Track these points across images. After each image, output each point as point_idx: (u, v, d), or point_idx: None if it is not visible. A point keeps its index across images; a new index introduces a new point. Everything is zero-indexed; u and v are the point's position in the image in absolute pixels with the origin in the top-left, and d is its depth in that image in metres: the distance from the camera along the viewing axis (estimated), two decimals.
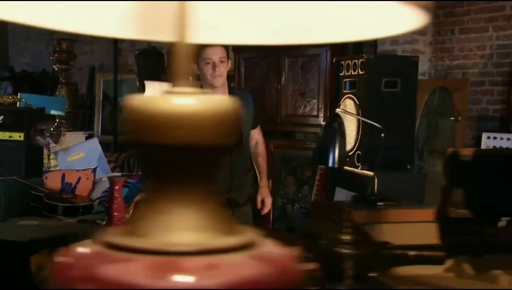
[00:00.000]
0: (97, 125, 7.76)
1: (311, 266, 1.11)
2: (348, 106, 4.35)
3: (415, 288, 1.35)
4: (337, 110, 2.95)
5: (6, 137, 5.83)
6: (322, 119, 5.49)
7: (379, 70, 4.22)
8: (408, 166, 4.08)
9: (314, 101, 5.90)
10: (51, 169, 5.50)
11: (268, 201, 3.28)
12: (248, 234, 0.61)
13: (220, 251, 0.55)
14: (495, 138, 4.85)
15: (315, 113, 5.76)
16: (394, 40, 5.71)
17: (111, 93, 7.61)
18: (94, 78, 7.94)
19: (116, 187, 2.68)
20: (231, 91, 3.16)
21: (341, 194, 4.20)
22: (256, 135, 3.41)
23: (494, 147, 4.78)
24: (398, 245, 1.61)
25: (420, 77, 5.73)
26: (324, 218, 1.63)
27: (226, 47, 3.11)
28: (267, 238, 0.63)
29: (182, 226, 0.57)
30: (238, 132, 0.62)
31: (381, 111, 4.19)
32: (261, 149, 3.44)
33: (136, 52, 7.32)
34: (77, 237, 0.63)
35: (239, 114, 0.63)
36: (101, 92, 7.80)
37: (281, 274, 0.55)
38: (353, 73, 4.34)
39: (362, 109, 4.19)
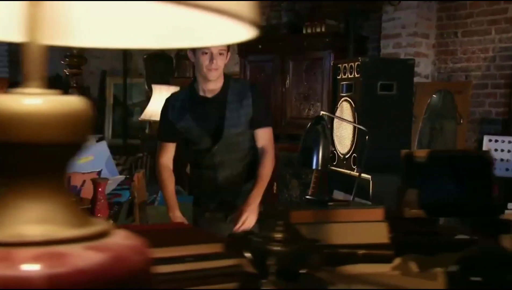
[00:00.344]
0: (108, 129, 7.87)
1: (230, 262, 1.15)
2: (344, 109, 4.37)
3: (354, 284, 1.38)
4: (322, 112, 2.97)
5: None
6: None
7: (374, 73, 4.23)
8: None
9: (318, 104, 5.94)
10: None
11: (250, 220, 2.61)
12: (100, 227, 0.66)
13: (58, 242, 0.59)
14: (496, 140, 4.82)
15: None
16: (397, 43, 5.72)
17: (121, 97, 7.71)
18: (105, 82, 8.05)
19: (100, 189, 2.74)
20: (227, 83, 2.77)
21: (339, 197, 4.22)
22: (263, 140, 2.84)
23: (496, 150, 4.76)
24: (347, 244, 1.64)
25: (423, 79, 5.73)
26: (276, 219, 1.66)
27: None
28: (123, 231, 0.67)
29: (28, 219, 0.62)
30: (87, 131, 0.66)
31: (377, 114, 4.20)
32: (267, 158, 2.81)
33: (145, 56, 7.42)
34: None
35: (89, 114, 0.67)
36: (112, 96, 7.91)
37: (114, 264, 0.59)
38: (349, 76, 4.37)
39: (358, 112, 4.21)
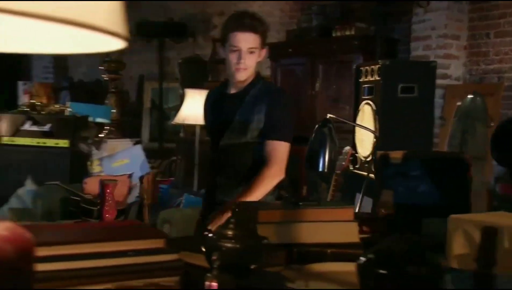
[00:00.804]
0: (145, 132, 8.05)
1: (171, 257, 1.22)
2: (366, 112, 4.37)
3: (313, 282, 1.42)
4: (328, 115, 3.00)
5: (53, 144, 6.19)
6: None
7: (395, 75, 4.22)
8: None
9: (347, 107, 5.93)
10: (92, 175, 5.74)
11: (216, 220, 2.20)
12: None
13: None
14: None
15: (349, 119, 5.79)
16: (427, 45, 5.66)
17: (158, 101, 7.88)
18: (143, 87, 8.24)
19: (108, 190, 2.83)
20: (254, 83, 2.55)
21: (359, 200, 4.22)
22: (267, 152, 2.49)
23: None
24: (317, 243, 1.68)
25: (453, 82, 5.65)
26: (248, 219, 1.72)
27: (263, 33, 2.51)
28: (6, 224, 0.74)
29: None
30: None
31: (398, 117, 4.20)
32: (265, 169, 2.45)
33: (180, 61, 7.57)
34: None
35: None
36: (149, 100, 8.09)
37: None
38: (370, 79, 4.37)
39: (379, 115, 4.20)
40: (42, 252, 1.14)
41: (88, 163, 6.02)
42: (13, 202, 5.81)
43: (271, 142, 2.51)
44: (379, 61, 4.24)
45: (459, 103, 5.48)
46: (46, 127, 6.20)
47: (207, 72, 7.44)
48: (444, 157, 1.94)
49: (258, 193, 2.41)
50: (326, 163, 2.93)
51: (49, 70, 9.23)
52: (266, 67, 6.77)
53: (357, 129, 4.48)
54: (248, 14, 2.58)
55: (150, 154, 7.59)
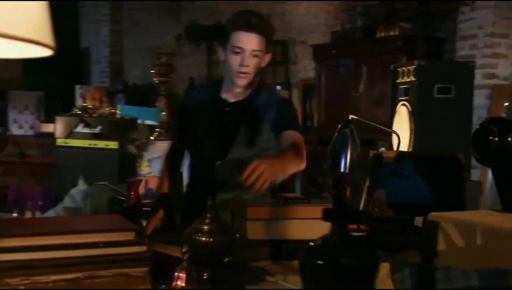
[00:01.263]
0: None
1: (140, 249, 1.28)
2: (402, 113, 4.33)
3: (292, 276, 1.46)
4: (350, 116, 3.00)
5: (103, 146, 6.42)
6: None
7: (431, 76, 4.16)
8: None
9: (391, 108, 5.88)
10: (140, 176, 5.90)
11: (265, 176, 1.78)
12: None
13: None
14: None
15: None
16: (473, 44, 5.54)
17: None
18: None
19: (132, 191, 2.92)
20: (257, 91, 2.34)
21: None
22: (289, 137, 2.26)
23: None
24: (303, 240, 1.71)
25: (501, 81, 5.51)
26: (239, 216, 1.77)
27: (269, 35, 2.29)
28: None
29: None
30: None
31: (434, 118, 4.13)
32: (292, 146, 2.20)
33: None
34: None
35: None
36: None
37: None
38: (406, 79, 4.33)
39: (414, 116, 4.16)
40: (16, 242, 1.23)
41: (137, 164, 6.19)
42: (67, 201, 6.04)
43: (293, 132, 2.29)
44: (415, 61, 4.20)
45: (506, 104, 5.33)
46: (97, 129, 6.43)
47: None
48: (438, 157, 1.92)
49: (298, 164, 2.15)
50: (348, 164, 2.94)
51: (105, 74, 9.53)
52: (311, 69, 6.79)
53: (394, 129, 4.44)
54: (254, 13, 2.30)
55: None
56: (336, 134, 3.12)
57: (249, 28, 2.22)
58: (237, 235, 1.44)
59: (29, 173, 6.82)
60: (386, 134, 5.48)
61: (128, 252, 1.27)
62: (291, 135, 2.28)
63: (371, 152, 1.84)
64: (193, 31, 7.74)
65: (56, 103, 7.66)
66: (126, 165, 6.29)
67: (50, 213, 6.04)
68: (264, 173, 1.77)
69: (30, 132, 7.19)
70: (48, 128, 6.84)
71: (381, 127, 3.40)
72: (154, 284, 1.33)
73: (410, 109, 4.18)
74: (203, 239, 1.40)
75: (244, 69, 2.23)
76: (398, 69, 4.46)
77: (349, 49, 6.19)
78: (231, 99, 2.36)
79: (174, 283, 1.31)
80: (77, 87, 7.79)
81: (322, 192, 6.43)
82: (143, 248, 1.28)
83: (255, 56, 2.24)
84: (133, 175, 5.72)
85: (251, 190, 1.79)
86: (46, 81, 9.69)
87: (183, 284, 1.30)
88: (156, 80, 7.98)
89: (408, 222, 1.66)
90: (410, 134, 4.17)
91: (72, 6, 10.55)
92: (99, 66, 9.74)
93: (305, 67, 7.19)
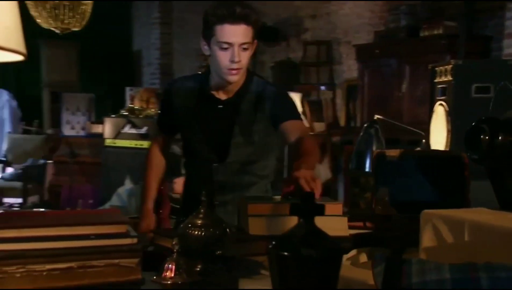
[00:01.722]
0: None
1: (130, 241, 1.34)
2: (439, 113, 4.27)
3: None
4: (376, 116, 3.01)
5: (149, 146, 6.56)
6: None
7: (469, 75, 4.09)
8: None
9: None
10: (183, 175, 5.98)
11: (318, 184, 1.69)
12: None
13: None
14: None
15: None
16: None
17: None
18: None
19: (162, 188, 3.01)
20: (247, 84, 2.16)
21: None
22: (294, 129, 2.11)
23: None
24: None
25: None
26: (242, 212, 1.82)
27: (256, 23, 2.05)
28: None
29: None
30: None
31: (472, 118, 4.05)
32: (305, 137, 2.07)
33: (272, 64, 7.73)
34: None
35: None
36: None
37: None
38: (444, 79, 4.27)
39: (451, 116, 4.10)
40: (13, 233, 1.31)
41: (181, 164, 6.29)
42: (114, 200, 6.24)
43: (298, 122, 2.16)
44: (452, 60, 4.13)
45: None
46: (143, 130, 6.61)
47: (298, 75, 7.54)
48: (440, 156, 1.92)
49: (314, 154, 1.98)
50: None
51: (155, 76, 9.74)
52: (356, 69, 6.77)
53: (432, 130, 4.39)
54: (238, 2, 2.04)
55: None
56: (361, 134, 3.13)
57: (235, 19, 1.98)
58: (228, 230, 1.48)
59: (80, 173, 7.06)
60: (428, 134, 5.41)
61: (119, 244, 1.33)
62: (295, 125, 2.13)
63: (374, 151, 1.85)
64: None
65: (107, 104, 7.89)
66: (171, 164, 6.40)
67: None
68: (310, 177, 1.69)
69: (82, 133, 7.43)
70: (98, 128, 7.06)
71: (407, 127, 3.39)
72: (148, 275, 1.39)
73: (447, 109, 4.12)
74: (196, 233, 1.45)
75: (235, 66, 2.02)
76: (436, 68, 4.40)
77: (392, 48, 6.14)
78: (223, 96, 2.17)
79: (163, 274, 1.37)
80: (127, 88, 7.99)
81: (365, 192, 6.40)
82: (134, 240, 1.34)
83: (245, 49, 2.03)
84: (177, 174, 5.84)
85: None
86: (99, 83, 10.00)
87: (172, 275, 1.36)
88: None
89: (411, 220, 1.66)
90: (447, 134, 4.11)
91: (125, 10, 10.83)
92: (149, 68, 9.96)
93: (350, 67, 7.16)
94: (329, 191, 6.16)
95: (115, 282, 1.33)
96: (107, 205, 6.35)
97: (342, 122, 7.14)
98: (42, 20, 5.55)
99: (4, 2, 0.97)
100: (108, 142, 6.79)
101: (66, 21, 5.43)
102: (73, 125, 7.52)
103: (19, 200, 7.11)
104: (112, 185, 6.67)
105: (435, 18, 6.00)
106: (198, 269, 1.45)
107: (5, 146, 8.27)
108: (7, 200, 7.40)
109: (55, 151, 7.58)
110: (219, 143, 2.17)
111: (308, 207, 1.10)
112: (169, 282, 1.35)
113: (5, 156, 8.03)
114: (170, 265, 1.36)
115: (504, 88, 3.34)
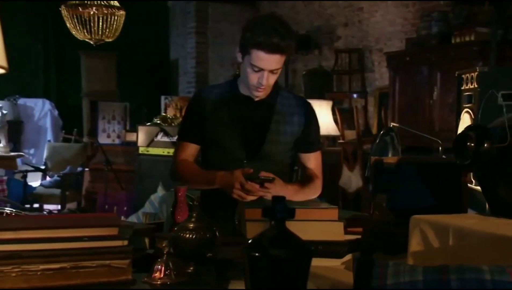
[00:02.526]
0: None
1: (121, 243, 1.39)
2: (465, 121, 4.23)
3: None
4: (392, 124, 3.01)
5: None
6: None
7: (495, 82, 4.04)
8: None
9: None
10: None
11: (275, 190, 2.03)
12: None
13: None
14: None
15: None
16: None
17: None
18: None
19: (180, 194, 3.05)
20: (276, 90, 2.28)
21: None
22: (313, 164, 2.37)
23: None
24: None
25: None
26: (242, 216, 1.85)
27: (290, 50, 2.15)
28: None
29: None
30: None
31: None
32: (316, 181, 2.34)
33: (304, 73, 7.76)
34: None
35: None
36: None
37: None
38: (470, 86, 4.22)
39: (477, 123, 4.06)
40: (9, 235, 1.38)
41: None
42: (147, 207, 6.35)
43: (315, 154, 2.37)
44: (477, 68, 4.09)
45: None
46: (175, 138, 6.70)
47: (330, 83, 7.54)
48: (437, 163, 1.91)
49: (308, 193, 2.28)
50: None
51: (191, 84, 9.87)
52: (387, 77, 6.73)
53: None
54: (277, 29, 2.08)
55: None
56: (376, 142, 3.13)
57: (271, 50, 2.06)
58: (217, 233, 1.52)
59: (115, 180, 7.21)
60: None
61: (110, 246, 1.39)
62: (314, 160, 2.36)
63: (372, 158, 1.86)
64: None
65: (143, 113, 8.03)
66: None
67: (132, 218, 6.34)
68: (275, 191, 2.00)
69: (117, 141, 7.57)
70: (133, 137, 7.19)
71: (423, 134, 3.36)
72: (142, 276, 1.44)
73: (473, 116, 4.08)
74: (187, 235, 1.50)
75: (262, 87, 2.14)
76: (463, 76, 4.36)
77: (424, 56, 6.09)
78: (255, 97, 2.25)
79: (153, 275, 1.42)
80: (163, 97, 8.12)
81: None
82: (125, 243, 1.39)
83: (275, 73, 2.15)
84: None
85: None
86: (137, 92, 10.20)
87: (161, 276, 1.41)
88: None
89: (407, 225, 1.67)
90: (438, 141, 4.06)
91: (162, 20, 11.03)
92: (186, 77, 10.11)
93: (382, 75, 7.13)
94: (359, 199, 6.13)
95: (107, 282, 1.38)
96: (140, 212, 6.45)
97: (374, 130, 7.11)
98: (77, 32, 5.70)
99: None
100: (141, 150, 6.91)
101: (99, 32, 5.56)
102: (108, 133, 7.68)
103: (58, 207, 7.29)
104: (145, 192, 6.78)
105: (467, 24, 5.93)
106: (190, 270, 1.50)
107: (45, 154, 8.50)
108: (46, 206, 7.60)
109: (92, 159, 7.76)
110: (252, 139, 2.25)
111: (278, 210, 1.13)
112: (158, 282, 1.40)
113: (45, 164, 8.25)
114: (159, 266, 1.41)
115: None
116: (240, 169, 2.10)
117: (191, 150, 2.33)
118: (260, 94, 2.20)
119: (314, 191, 2.33)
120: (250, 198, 2.05)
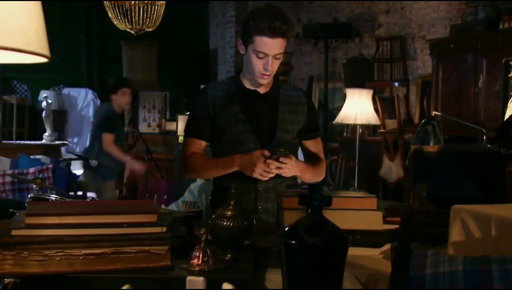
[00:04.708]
0: None
1: (160, 229, 1.41)
2: (511, 108, 4.14)
3: None
4: (433, 112, 2.96)
5: None
6: None
7: None
8: None
9: None
10: None
11: (290, 169, 2.19)
12: None
13: None
14: None
15: None
16: None
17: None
18: (311, 87, 8.50)
19: None
20: (277, 82, 2.38)
21: None
22: (314, 149, 2.48)
23: None
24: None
25: None
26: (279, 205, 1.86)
27: (291, 34, 2.28)
28: None
29: None
30: None
31: None
32: (321, 163, 2.46)
33: (344, 61, 7.68)
34: None
35: None
36: (317, 100, 8.32)
37: None
38: None
39: None
40: (54, 220, 1.41)
41: None
42: (186, 196, 6.42)
43: (319, 140, 2.51)
44: None
45: None
46: None
47: (371, 71, 7.45)
48: (480, 152, 1.87)
49: (317, 173, 2.42)
50: None
51: (231, 74, 9.88)
52: (430, 65, 6.61)
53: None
54: (278, 15, 2.20)
55: None
56: (417, 131, 3.09)
57: (274, 34, 2.16)
58: (255, 221, 1.52)
59: (155, 169, 7.29)
60: None
61: (150, 232, 1.41)
62: (317, 145, 2.50)
63: (412, 147, 1.83)
64: (310, 29, 7.83)
65: (183, 102, 8.10)
66: None
67: (172, 207, 6.40)
68: (290, 169, 2.18)
69: (157, 130, 7.66)
70: (172, 126, 7.25)
71: (466, 122, 3.29)
72: (177, 263, 1.45)
73: None
74: (224, 223, 1.50)
75: (267, 72, 2.23)
76: (510, 62, 4.27)
77: (469, 42, 5.95)
78: (261, 90, 2.35)
79: (191, 261, 1.43)
80: (202, 86, 8.16)
81: None
82: (163, 229, 1.41)
83: (277, 58, 2.24)
84: None
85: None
86: (177, 82, 10.29)
87: (199, 262, 1.42)
88: None
89: (447, 215, 1.65)
90: (482, 129, 3.97)
91: (202, 10, 11.08)
92: (225, 66, 10.13)
93: (424, 63, 7.00)
94: (400, 189, 6.06)
95: (146, 267, 1.40)
96: (179, 201, 6.52)
97: (416, 119, 6.99)
98: (119, 22, 5.78)
99: (25, 5, 1.05)
100: (181, 139, 6.97)
101: (140, 22, 5.63)
102: (149, 123, 7.77)
103: None
104: (185, 181, 6.84)
105: None
106: (227, 258, 1.51)
107: (88, 142, 8.67)
108: (89, 194, 7.75)
109: (133, 147, 7.87)
110: (264, 130, 2.34)
111: (315, 198, 1.13)
112: (196, 269, 1.41)
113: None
114: (197, 253, 1.42)
115: None
116: (259, 150, 2.21)
117: (199, 145, 2.39)
118: (265, 81, 2.29)
119: (321, 172, 2.46)
120: (270, 175, 2.17)
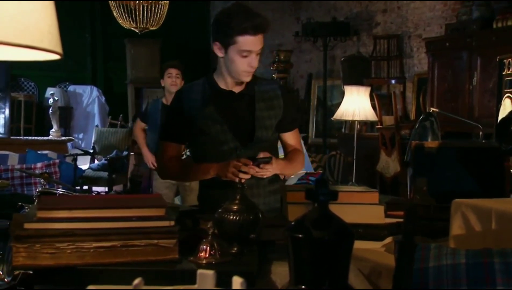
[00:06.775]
0: (312, 128, 8.33)
1: (168, 223, 1.45)
2: (506, 106, 4.18)
3: None
4: (431, 108, 3.01)
5: None
6: None
7: None
8: None
9: None
10: None
11: (270, 170, 2.17)
12: None
13: None
14: None
15: None
16: None
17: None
18: (310, 85, 8.54)
19: None
20: (253, 81, 2.36)
21: None
22: (294, 140, 2.50)
23: None
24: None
25: None
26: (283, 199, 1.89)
27: (267, 27, 2.24)
28: None
29: None
30: None
31: None
32: (299, 154, 2.48)
33: (342, 59, 7.73)
34: None
35: None
36: (316, 97, 8.37)
37: None
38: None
39: None
40: (65, 214, 1.44)
41: None
42: None
43: (294, 131, 2.50)
44: None
45: None
46: None
47: (368, 69, 7.50)
48: (479, 147, 1.91)
49: (296, 165, 2.45)
50: None
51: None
52: (426, 63, 6.66)
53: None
54: (254, 13, 2.23)
55: (314, 149, 7.87)
56: (416, 127, 3.13)
57: (256, 31, 2.19)
58: (260, 215, 1.56)
59: None
60: None
61: (158, 226, 1.45)
62: (295, 137, 2.50)
63: (412, 142, 1.87)
64: (309, 28, 7.88)
65: None
66: None
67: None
68: (270, 171, 2.17)
69: None
70: None
71: (462, 119, 3.33)
72: (183, 256, 1.49)
73: None
74: (231, 217, 1.54)
75: (252, 69, 2.26)
76: (504, 60, 4.30)
77: (464, 41, 6.00)
78: (236, 89, 2.35)
79: (199, 255, 1.47)
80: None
81: None
82: (172, 223, 1.45)
83: (259, 53, 2.26)
84: None
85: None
86: None
87: (206, 255, 1.46)
88: (275, 76, 8.25)
89: (448, 209, 1.68)
90: (478, 125, 4.02)
91: (204, 9, 11.18)
92: None
93: (420, 61, 7.06)
94: (397, 184, 6.11)
95: (154, 260, 1.44)
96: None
97: (412, 116, 7.05)
98: (123, 21, 5.84)
99: (38, 3, 1.09)
100: None
101: (144, 21, 5.70)
102: None
103: (106, 189, 7.47)
104: None
105: (510, 8, 5.82)
106: (234, 251, 1.54)
107: (93, 138, 8.76)
108: (95, 188, 7.78)
109: (137, 143, 7.90)
110: (243, 129, 2.34)
111: (321, 193, 1.16)
112: (203, 262, 1.45)
113: (93, 148, 8.50)
114: (204, 247, 1.46)
115: None
116: (236, 159, 2.17)
117: (177, 149, 2.42)
118: (249, 78, 2.30)
119: (300, 164, 2.49)
120: (243, 176, 2.08)
